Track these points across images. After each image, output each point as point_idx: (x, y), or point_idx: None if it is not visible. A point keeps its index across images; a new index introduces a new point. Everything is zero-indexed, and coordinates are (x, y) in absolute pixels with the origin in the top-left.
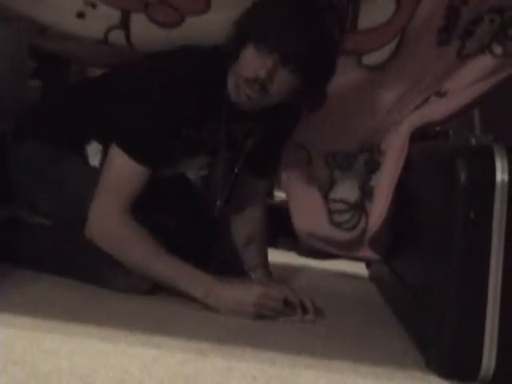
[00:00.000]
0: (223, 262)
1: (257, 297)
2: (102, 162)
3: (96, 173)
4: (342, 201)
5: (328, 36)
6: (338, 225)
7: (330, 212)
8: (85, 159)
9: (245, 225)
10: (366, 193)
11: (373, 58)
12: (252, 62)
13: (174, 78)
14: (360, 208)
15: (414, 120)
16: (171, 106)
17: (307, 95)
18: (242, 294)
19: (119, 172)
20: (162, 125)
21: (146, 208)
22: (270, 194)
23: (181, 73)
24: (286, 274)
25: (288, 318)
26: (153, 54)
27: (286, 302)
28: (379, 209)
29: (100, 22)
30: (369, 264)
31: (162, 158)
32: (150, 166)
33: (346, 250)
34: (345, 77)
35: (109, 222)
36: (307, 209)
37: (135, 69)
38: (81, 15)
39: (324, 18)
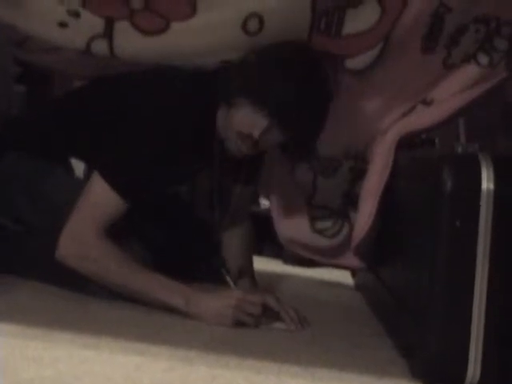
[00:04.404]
0: (212, 269)
1: (235, 300)
2: (86, 173)
3: (79, 184)
4: (324, 207)
5: (326, 103)
6: (319, 231)
7: (312, 218)
8: (69, 170)
9: (232, 235)
10: (350, 200)
11: (356, 63)
12: (248, 121)
13: (170, 118)
14: (342, 215)
15: (400, 128)
16: (163, 147)
17: (295, 149)
18: (221, 299)
19: (97, 200)
20: (150, 163)
21: (133, 220)
22: (256, 202)
23: (176, 114)
24: (271, 282)
25: (270, 325)
26: (139, 76)
27: (267, 309)
28: (365, 216)
29: (82, 31)
30: (354, 272)
31: (144, 194)
32: (129, 201)
33: (328, 257)
34: None
35: (81, 244)
36: (289, 215)
37: (122, 85)
38: (63, 25)
39: (323, 84)
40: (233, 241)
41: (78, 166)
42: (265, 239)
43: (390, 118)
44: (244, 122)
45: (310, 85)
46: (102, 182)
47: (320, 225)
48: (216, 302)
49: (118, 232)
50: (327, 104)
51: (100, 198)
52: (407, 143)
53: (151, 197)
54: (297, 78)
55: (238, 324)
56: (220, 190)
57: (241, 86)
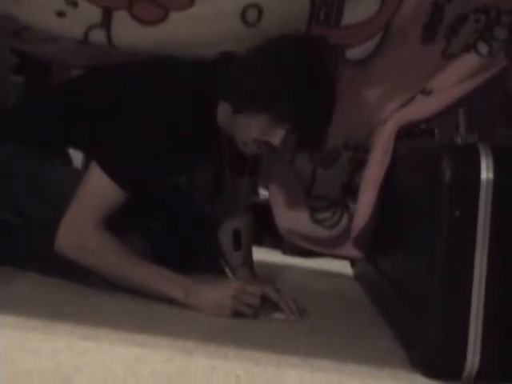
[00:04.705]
0: (211, 260)
1: (233, 290)
2: (84, 163)
3: (78, 174)
4: (323, 198)
5: (334, 104)
6: (318, 222)
7: (312, 209)
8: (67, 161)
9: (230, 225)
10: (350, 191)
11: (356, 53)
12: (265, 130)
13: (169, 108)
14: (342, 206)
15: (399, 118)
16: (162, 137)
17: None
18: (220, 290)
19: (95, 190)
20: (148, 153)
21: (131, 212)
22: (255, 192)
23: (175, 104)
24: (270, 273)
25: (269, 316)
26: (137, 65)
27: (266, 299)
28: (364, 207)
29: (80, 21)
30: (353, 263)
31: (143, 185)
32: (128, 191)
33: (327, 248)
34: None
35: (80, 235)
36: (288, 206)
37: (120, 75)
38: (61, 14)
39: (331, 88)
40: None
41: (76, 156)
42: (264, 230)
43: (390, 108)
44: (261, 131)
45: (319, 85)
46: (100, 173)
47: (319, 215)
48: (214, 293)
49: (117, 224)
50: (335, 98)
51: (98, 189)
52: (407, 133)
53: (150, 188)
54: (306, 83)
55: (237, 315)
56: (223, 182)
57: (249, 97)
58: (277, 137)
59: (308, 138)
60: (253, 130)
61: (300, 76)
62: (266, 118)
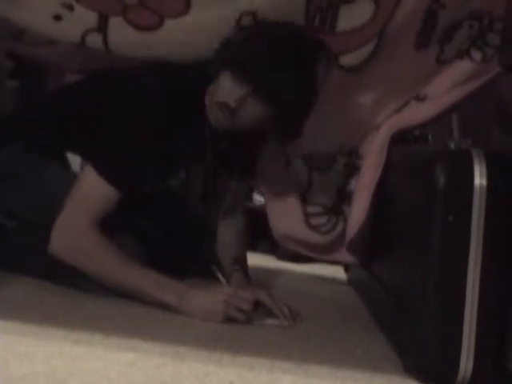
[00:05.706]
0: (204, 264)
1: (225, 295)
2: (82, 167)
3: (76, 178)
4: (318, 203)
5: (308, 77)
6: (314, 228)
7: (307, 215)
8: (65, 165)
9: (224, 230)
10: (345, 196)
11: (350, 59)
12: (224, 88)
13: (160, 109)
14: (337, 211)
15: (393, 123)
16: (154, 137)
17: (280, 127)
18: (212, 295)
19: (89, 191)
20: (142, 153)
21: (126, 216)
22: (250, 198)
23: (165, 105)
24: (265, 278)
25: (263, 321)
26: (132, 70)
27: (258, 305)
28: (358, 213)
29: (77, 24)
30: (347, 268)
31: (136, 184)
32: (121, 190)
33: (322, 253)
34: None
35: (74, 235)
36: (283, 211)
37: (115, 79)
38: (57, 18)
39: (307, 57)
40: (227, 237)
41: (74, 160)
42: (259, 235)
43: (384, 113)
44: (222, 92)
45: (290, 54)
46: (93, 173)
47: (314, 221)
48: (206, 298)
49: (111, 227)
50: (312, 82)
51: (92, 189)
52: (400, 138)
53: (144, 189)
54: (275, 49)
55: (229, 320)
56: (214, 185)
57: (223, 59)
58: (233, 96)
59: (276, 113)
60: (216, 91)
61: (270, 44)
62: (228, 75)
